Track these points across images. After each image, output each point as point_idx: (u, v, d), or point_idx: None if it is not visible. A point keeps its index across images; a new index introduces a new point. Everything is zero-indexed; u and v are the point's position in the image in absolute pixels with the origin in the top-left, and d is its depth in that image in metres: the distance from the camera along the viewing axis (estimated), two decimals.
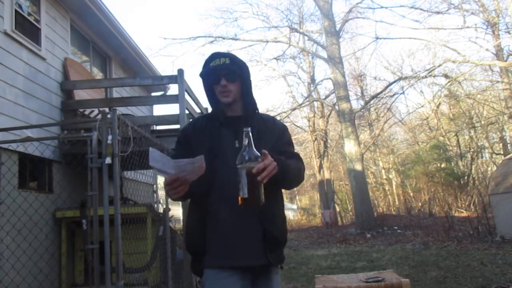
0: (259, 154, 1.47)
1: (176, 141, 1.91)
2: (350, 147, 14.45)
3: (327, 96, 21.76)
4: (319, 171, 22.74)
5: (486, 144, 21.53)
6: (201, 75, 1.79)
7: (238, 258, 1.59)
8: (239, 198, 1.46)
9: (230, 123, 1.75)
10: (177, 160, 1.46)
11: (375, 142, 22.64)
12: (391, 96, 18.13)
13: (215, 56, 1.77)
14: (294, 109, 18.60)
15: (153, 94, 10.18)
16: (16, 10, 5.19)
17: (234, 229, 1.60)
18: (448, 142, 22.12)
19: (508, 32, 15.15)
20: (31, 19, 5.63)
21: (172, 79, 6.17)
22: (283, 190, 1.95)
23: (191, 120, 1.89)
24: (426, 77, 15.43)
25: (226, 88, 1.72)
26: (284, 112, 17.91)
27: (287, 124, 21.69)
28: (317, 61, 25.73)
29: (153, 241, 5.05)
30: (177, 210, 10.19)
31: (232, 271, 1.58)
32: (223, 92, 1.73)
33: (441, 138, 22.31)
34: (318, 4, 15.63)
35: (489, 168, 21.05)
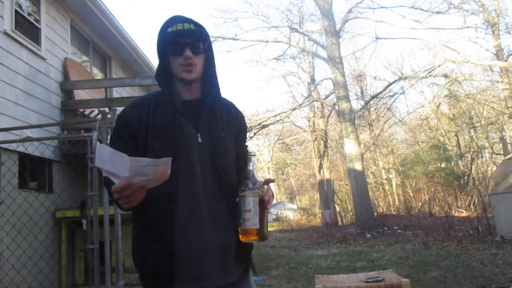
0: (262, 180, 1.30)
1: (113, 135, 1.44)
2: (350, 147, 14.44)
3: (327, 96, 21.78)
4: (319, 171, 22.76)
5: (486, 144, 21.53)
6: (159, 42, 1.39)
7: (216, 276, 1.32)
8: (244, 231, 1.27)
9: (189, 110, 1.40)
10: (136, 158, 1.10)
11: (375, 142, 22.64)
12: (391, 96, 18.16)
13: (176, 19, 1.38)
14: (294, 109, 18.60)
15: None
16: (16, 10, 5.20)
17: (207, 242, 1.32)
18: (448, 142, 22.12)
19: (508, 32, 15.16)
20: (31, 19, 5.64)
21: None
22: None
23: (132, 102, 1.48)
24: (426, 77, 15.44)
25: (191, 60, 1.35)
26: (284, 112, 17.91)
27: (286, 124, 21.42)
28: (317, 61, 25.75)
29: None
30: None
31: None
32: (187, 65, 1.36)
33: (441, 138, 22.32)
34: (318, 4, 15.63)
35: (489, 168, 21.04)
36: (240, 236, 1.30)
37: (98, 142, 1.13)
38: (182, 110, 1.38)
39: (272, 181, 1.33)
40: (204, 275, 1.31)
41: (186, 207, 1.32)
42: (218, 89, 1.47)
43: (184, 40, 1.35)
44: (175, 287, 1.29)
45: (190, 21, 1.38)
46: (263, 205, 1.28)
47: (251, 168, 1.31)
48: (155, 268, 1.31)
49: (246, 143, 1.60)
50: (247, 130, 1.65)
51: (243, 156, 1.50)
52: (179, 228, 1.30)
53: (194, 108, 1.41)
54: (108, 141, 3.74)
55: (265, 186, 1.31)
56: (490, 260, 6.48)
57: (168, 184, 1.19)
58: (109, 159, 1.12)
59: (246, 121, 1.62)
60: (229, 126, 1.46)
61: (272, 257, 8.96)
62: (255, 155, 1.32)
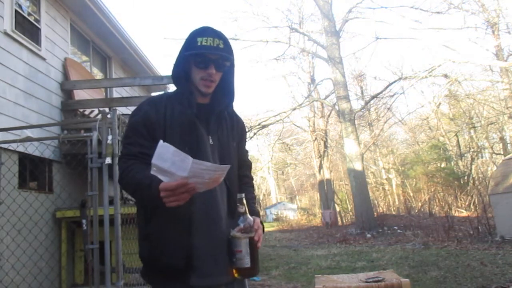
0: (252, 220, 1.39)
1: (130, 129, 1.46)
2: (350, 147, 14.44)
3: (327, 96, 21.76)
4: (319, 171, 22.75)
5: (486, 144, 21.53)
6: (186, 49, 1.46)
7: (227, 273, 1.40)
8: (237, 269, 1.35)
9: (202, 113, 1.49)
10: (197, 161, 1.14)
11: (375, 142, 22.63)
12: (391, 96, 18.13)
13: (206, 32, 1.45)
14: (294, 109, 18.58)
15: (153, 94, 10.19)
16: (16, 10, 5.20)
17: (219, 241, 1.40)
18: (448, 142, 22.12)
19: (508, 32, 15.16)
20: (31, 19, 5.63)
21: None
22: None
23: (148, 100, 1.54)
24: (426, 77, 15.41)
25: (212, 77, 1.46)
26: (284, 112, 17.89)
27: (286, 124, 21.43)
28: (317, 61, 25.75)
29: None
30: None
31: None
32: (208, 81, 1.46)
33: (441, 138, 22.32)
34: (318, 4, 15.63)
35: (489, 168, 21.04)
36: (234, 273, 1.37)
37: (161, 141, 1.15)
38: (198, 114, 1.47)
39: (259, 227, 1.42)
40: (218, 271, 1.39)
41: (203, 206, 1.39)
42: (232, 99, 1.57)
43: (211, 57, 1.44)
44: (190, 281, 1.35)
45: (220, 36, 1.45)
46: (253, 243, 1.36)
47: (242, 210, 1.38)
48: (173, 263, 1.36)
49: (246, 151, 1.74)
50: (247, 131, 1.75)
51: (242, 159, 1.65)
52: (196, 227, 1.38)
53: (206, 112, 1.51)
54: (110, 141, 3.71)
55: (256, 224, 1.39)
56: (490, 260, 6.48)
57: None
58: (170, 157, 1.14)
59: (246, 122, 1.70)
60: (233, 132, 1.58)
61: (272, 257, 8.96)
62: (243, 197, 1.39)
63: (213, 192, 1.39)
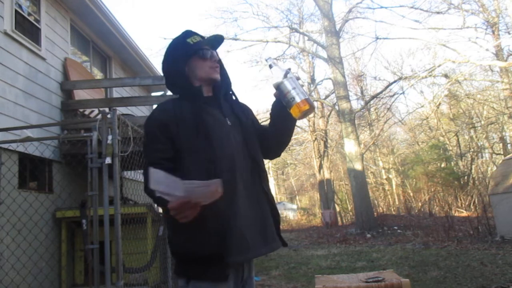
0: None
1: (147, 139, 1.52)
2: (350, 147, 14.44)
3: (327, 96, 21.78)
4: (319, 171, 22.74)
5: (486, 144, 21.53)
6: (183, 50, 1.57)
7: (258, 247, 1.46)
8: (301, 102, 1.45)
9: (211, 102, 1.58)
10: (188, 181, 1.21)
11: (375, 142, 22.62)
12: (391, 96, 18.14)
13: (191, 33, 1.62)
14: None
15: (153, 94, 10.18)
16: (16, 10, 5.19)
17: (248, 218, 1.45)
18: (448, 142, 22.12)
19: (508, 32, 15.14)
20: (31, 19, 5.63)
21: None
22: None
23: (156, 108, 1.62)
24: (426, 77, 15.40)
25: (217, 62, 1.59)
26: None
27: None
28: (317, 61, 25.74)
29: (153, 241, 5.05)
30: None
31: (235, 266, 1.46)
32: (215, 67, 1.58)
33: (441, 138, 22.32)
34: (318, 4, 15.62)
35: (489, 168, 21.04)
36: (295, 112, 1.47)
37: (151, 168, 1.26)
38: (209, 102, 1.57)
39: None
40: (249, 247, 1.42)
41: (228, 187, 1.36)
42: (230, 82, 1.67)
43: (208, 47, 1.59)
44: (227, 260, 1.38)
45: (198, 34, 1.62)
46: (296, 79, 1.51)
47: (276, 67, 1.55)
48: (211, 249, 1.38)
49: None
50: None
51: (262, 128, 1.73)
52: (224, 209, 1.38)
53: (214, 100, 1.60)
54: (110, 141, 3.69)
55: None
56: (490, 260, 6.48)
57: (210, 167, 1.39)
58: (164, 181, 1.21)
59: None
60: (243, 110, 1.67)
61: (272, 257, 8.95)
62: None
63: (234, 176, 1.44)
